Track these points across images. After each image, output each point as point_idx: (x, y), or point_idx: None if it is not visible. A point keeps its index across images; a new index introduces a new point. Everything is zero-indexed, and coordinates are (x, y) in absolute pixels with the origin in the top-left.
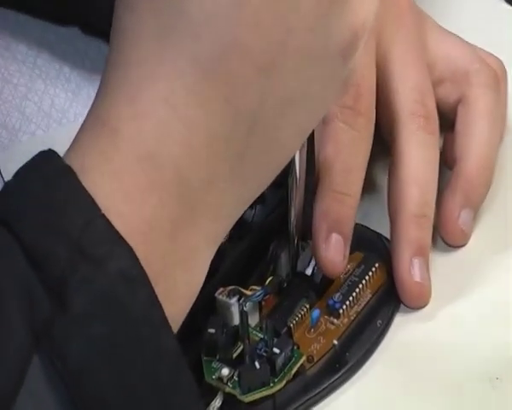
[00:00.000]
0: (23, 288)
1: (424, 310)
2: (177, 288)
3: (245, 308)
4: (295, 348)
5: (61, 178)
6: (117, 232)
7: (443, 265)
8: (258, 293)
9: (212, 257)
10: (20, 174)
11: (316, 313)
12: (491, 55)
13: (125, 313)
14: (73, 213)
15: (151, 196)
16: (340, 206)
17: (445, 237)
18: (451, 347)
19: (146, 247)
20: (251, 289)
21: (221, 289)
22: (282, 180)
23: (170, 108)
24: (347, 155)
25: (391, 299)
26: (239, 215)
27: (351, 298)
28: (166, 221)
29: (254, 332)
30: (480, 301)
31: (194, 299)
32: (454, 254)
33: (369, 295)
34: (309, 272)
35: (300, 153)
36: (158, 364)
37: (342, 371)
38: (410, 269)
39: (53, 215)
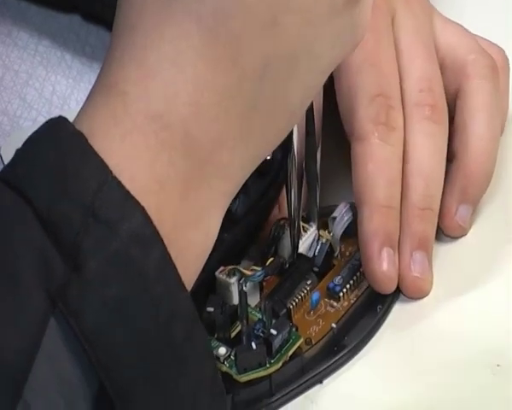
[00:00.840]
0: (38, 253)
1: (424, 298)
2: (189, 248)
3: (244, 288)
4: (293, 329)
5: (71, 143)
6: (128, 193)
7: (445, 253)
8: (259, 273)
9: (222, 217)
10: (30, 141)
11: (316, 295)
12: (493, 44)
13: (139, 273)
14: (85, 178)
15: (161, 156)
16: (388, 220)
17: (443, 229)
18: (452, 334)
19: (158, 207)
20: (251, 270)
21: (221, 268)
22: (266, 169)
23: (177, 69)
24: (388, 169)
25: None
26: (248, 175)
27: (351, 282)
28: (177, 180)
29: (253, 312)
30: (481, 290)
31: (204, 261)
32: (456, 243)
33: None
34: (310, 254)
35: (299, 131)
36: (172, 323)
37: (340, 354)
38: (409, 263)
39: (65, 180)
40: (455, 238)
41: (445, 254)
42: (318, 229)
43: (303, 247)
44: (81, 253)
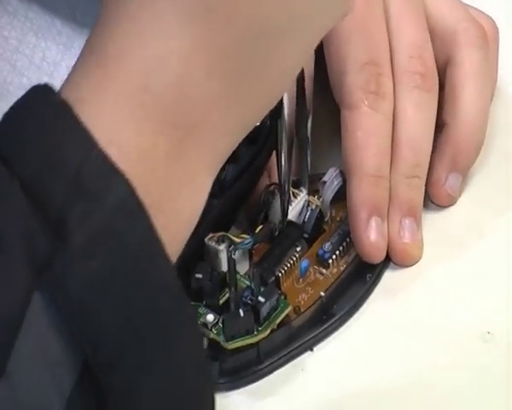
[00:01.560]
0: (23, 226)
1: (414, 266)
2: (177, 216)
3: (233, 256)
4: (282, 297)
5: (57, 112)
6: (113, 165)
7: (434, 222)
8: (248, 241)
9: (211, 183)
10: (14, 110)
11: (305, 263)
12: (483, 13)
13: (124, 246)
14: (70, 149)
15: (148, 124)
16: (377, 189)
17: (432, 198)
18: (442, 302)
19: (144, 176)
20: (241, 237)
21: (210, 235)
22: (255, 136)
23: (170, 30)
24: (377, 138)
25: None
26: (239, 140)
27: (341, 248)
28: (165, 148)
29: (242, 280)
30: (470, 257)
31: (193, 227)
32: (445, 212)
33: None
34: (300, 220)
35: (289, 96)
36: (158, 297)
37: (328, 323)
38: (399, 230)
39: (50, 151)
40: (444, 207)
41: (433, 222)
42: (308, 195)
43: (293, 213)
44: (66, 226)
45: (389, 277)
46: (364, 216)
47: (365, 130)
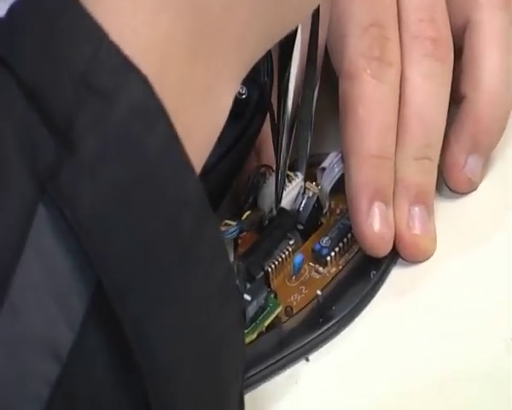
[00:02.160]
0: (22, 129)
1: (426, 262)
2: (196, 127)
3: None
4: (271, 296)
5: (61, 3)
6: (128, 60)
7: (450, 211)
8: (233, 229)
9: (235, 93)
10: (14, 8)
11: (299, 258)
12: None
13: (142, 150)
14: (78, 42)
15: (165, 12)
16: (380, 172)
17: (449, 184)
18: (459, 304)
19: (161, 73)
20: (225, 224)
21: None
22: (240, 110)
23: None
24: (381, 113)
25: None
26: (260, 55)
27: (341, 244)
28: (184, 44)
29: None
30: (493, 252)
31: (212, 145)
32: (463, 200)
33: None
34: (294, 209)
35: (301, 53)
36: (180, 209)
37: (325, 327)
38: (407, 220)
39: (54, 46)
40: (462, 194)
41: (448, 211)
42: (305, 180)
43: (286, 200)
44: (75, 129)
45: (397, 274)
46: (366, 202)
47: (367, 103)
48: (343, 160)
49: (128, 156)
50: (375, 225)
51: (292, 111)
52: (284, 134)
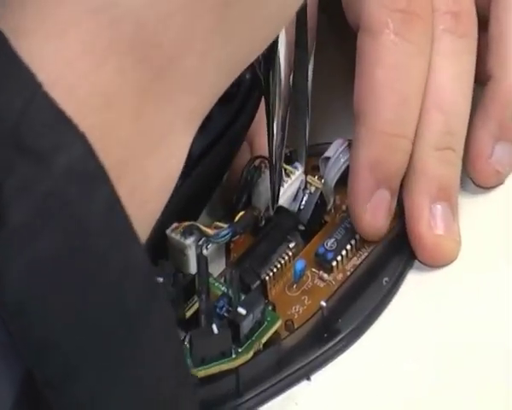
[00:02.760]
0: None
1: (449, 267)
2: (146, 183)
3: (205, 252)
4: (269, 308)
5: None
6: (63, 114)
7: (474, 208)
8: (225, 232)
9: (191, 141)
10: None
11: (300, 263)
12: None
13: (78, 221)
14: (6, 93)
15: (107, 61)
16: (392, 153)
17: (473, 176)
18: (485, 317)
19: (103, 130)
20: (214, 227)
21: (174, 226)
22: (230, 95)
23: None
24: (403, 80)
25: (402, 249)
26: (222, 90)
27: (348, 246)
28: (129, 94)
29: (216, 284)
30: None
31: (166, 199)
32: (491, 193)
33: (373, 244)
34: (295, 207)
35: (287, 39)
36: (123, 285)
37: (331, 343)
38: (429, 219)
39: None
40: (488, 188)
41: (474, 209)
42: (306, 173)
43: (285, 197)
44: (2, 196)
45: (413, 281)
46: (369, 184)
47: (386, 66)
48: (350, 148)
49: (62, 227)
50: (374, 213)
51: (284, 95)
52: (278, 120)
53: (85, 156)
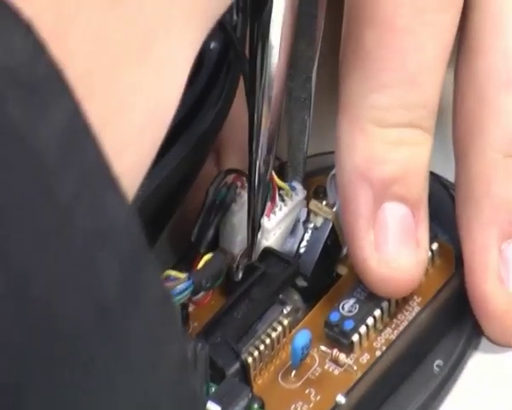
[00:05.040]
0: None
1: None
2: (124, 114)
3: None
4: (254, 407)
5: None
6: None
7: None
8: (181, 287)
9: (191, 62)
10: None
11: (302, 338)
12: None
13: (23, 153)
14: None
15: None
16: (393, 152)
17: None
18: None
19: (59, 20)
20: (166, 278)
21: None
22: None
23: None
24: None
25: (461, 317)
26: None
27: (377, 312)
28: None
29: None
30: None
31: (155, 148)
32: None
33: (417, 308)
34: (292, 248)
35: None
36: (97, 260)
37: None
38: (498, 268)
39: None
40: None
41: None
42: (308, 199)
43: (276, 234)
44: None
45: (478, 366)
46: (366, 202)
47: (382, 33)
48: None
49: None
50: (384, 242)
51: (281, 88)
52: (265, 116)
53: (31, 54)
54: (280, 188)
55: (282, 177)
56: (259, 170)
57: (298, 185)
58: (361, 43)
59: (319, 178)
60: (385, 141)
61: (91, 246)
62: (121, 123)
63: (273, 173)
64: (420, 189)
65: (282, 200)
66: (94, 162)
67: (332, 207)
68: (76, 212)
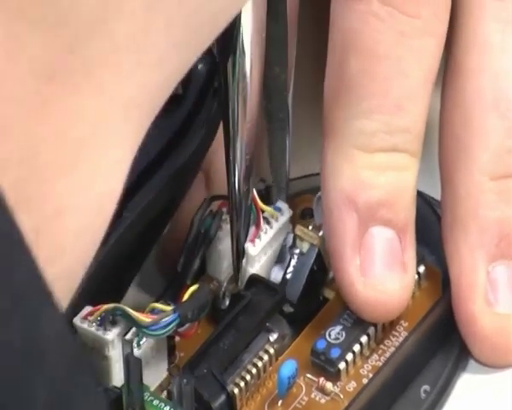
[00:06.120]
0: None
1: None
2: (59, 220)
3: (136, 352)
4: None
5: None
6: None
7: None
8: (167, 320)
9: (134, 152)
10: None
11: (289, 367)
12: None
13: None
14: None
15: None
16: (379, 176)
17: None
18: None
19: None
20: (151, 311)
21: (88, 310)
22: (174, 100)
23: None
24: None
25: (448, 341)
26: (180, 70)
27: (364, 338)
28: (26, 73)
29: (156, 403)
30: None
31: (93, 251)
32: None
33: (404, 333)
34: (277, 276)
35: (255, 25)
36: (28, 365)
37: None
38: (486, 289)
39: None
40: None
41: None
42: (294, 223)
43: (261, 260)
44: None
45: (466, 390)
46: (352, 227)
47: (367, 50)
48: None
49: None
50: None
51: (257, 107)
52: (241, 137)
53: None
54: (263, 211)
55: (269, 199)
56: (239, 193)
57: (283, 205)
58: (345, 69)
59: (306, 197)
60: (371, 166)
61: (23, 364)
62: (56, 229)
63: (256, 197)
64: (406, 213)
65: (268, 222)
66: (26, 277)
67: (319, 228)
68: (8, 329)
